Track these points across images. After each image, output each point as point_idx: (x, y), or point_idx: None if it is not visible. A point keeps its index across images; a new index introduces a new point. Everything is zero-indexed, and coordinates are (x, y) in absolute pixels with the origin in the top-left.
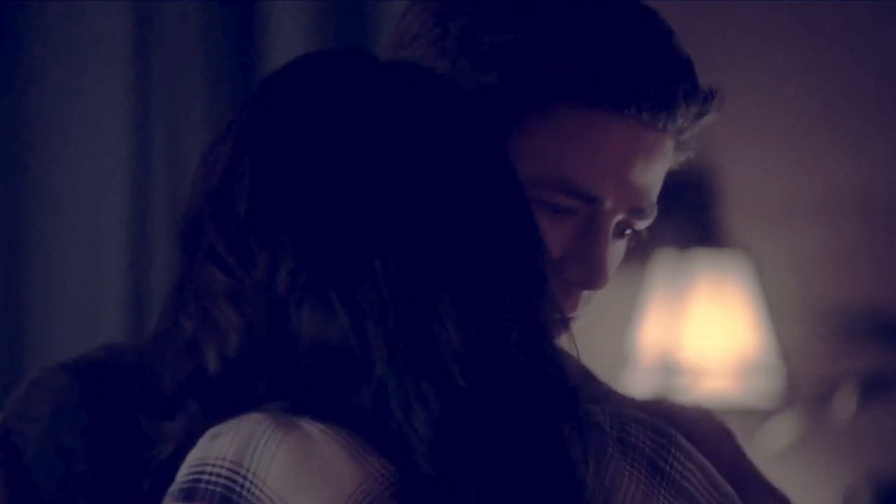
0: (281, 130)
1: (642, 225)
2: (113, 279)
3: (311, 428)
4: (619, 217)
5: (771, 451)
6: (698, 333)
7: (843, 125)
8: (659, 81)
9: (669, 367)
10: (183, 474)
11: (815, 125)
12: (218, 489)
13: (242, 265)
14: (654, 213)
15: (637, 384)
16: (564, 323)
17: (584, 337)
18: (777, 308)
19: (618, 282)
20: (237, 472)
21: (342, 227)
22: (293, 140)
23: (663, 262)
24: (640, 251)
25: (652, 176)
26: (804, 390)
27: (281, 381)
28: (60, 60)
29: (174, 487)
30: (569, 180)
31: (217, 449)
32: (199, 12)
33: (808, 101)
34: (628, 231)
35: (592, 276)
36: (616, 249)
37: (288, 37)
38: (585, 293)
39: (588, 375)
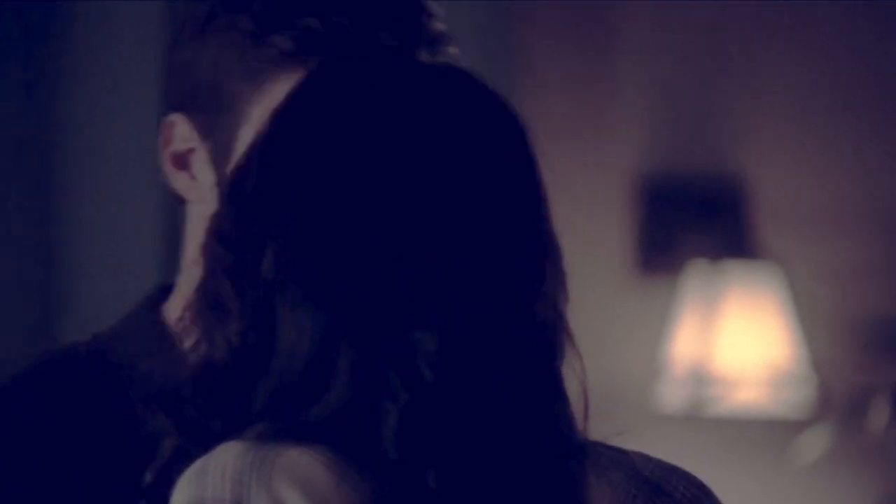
0: (305, 120)
1: None
2: (142, 279)
3: (293, 454)
4: None
5: (803, 462)
6: (730, 344)
7: (879, 136)
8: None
9: (702, 378)
10: None
11: (849, 136)
12: None
13: (242, 241)
14: None
15: (669, 396)
16: None
17: (617, 348)
18: (809, 319)
19: (650, 293)
20: None
21: (334, 220)
22: (311, 127)
23: (695, 274)
24: (673, 262)
25: None
26: (836, 401)
27: (265, 380)
28: (88, 59)
29: None
30: None
31: (211, 489)
32: None
33: (842, 113)
34: None
35: None
36: None
37: None
38: None
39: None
